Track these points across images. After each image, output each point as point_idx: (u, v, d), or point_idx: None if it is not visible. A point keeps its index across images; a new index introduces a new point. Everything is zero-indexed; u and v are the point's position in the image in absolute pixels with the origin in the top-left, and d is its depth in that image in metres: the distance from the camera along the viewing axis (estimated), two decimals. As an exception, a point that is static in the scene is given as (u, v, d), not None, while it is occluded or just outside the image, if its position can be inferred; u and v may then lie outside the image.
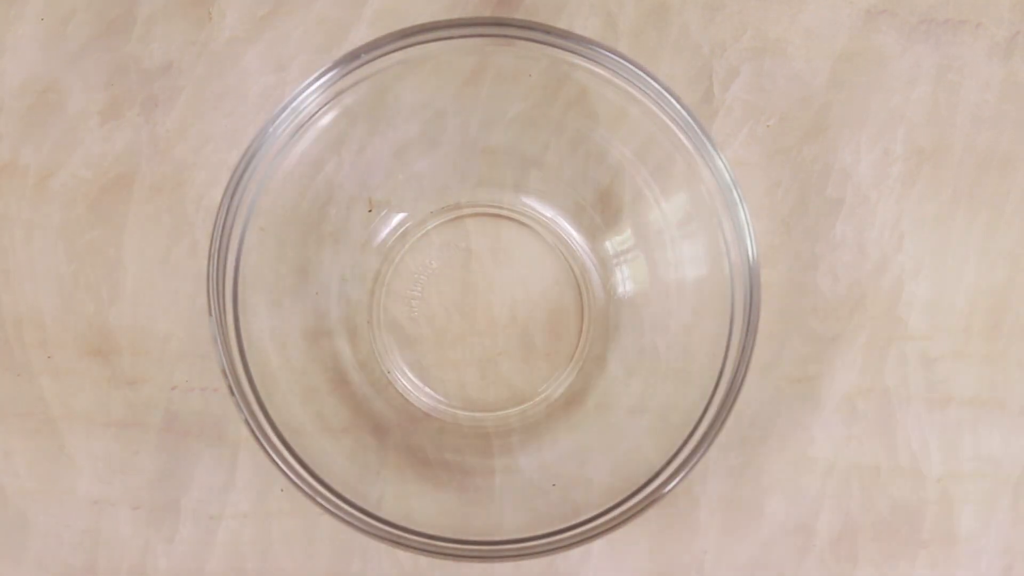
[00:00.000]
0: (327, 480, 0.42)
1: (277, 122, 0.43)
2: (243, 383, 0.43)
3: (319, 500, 0.42)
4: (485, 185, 0.51)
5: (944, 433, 0.52)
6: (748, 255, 0.43)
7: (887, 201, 0.52)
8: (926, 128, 0.53)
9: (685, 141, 0.44)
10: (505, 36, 0.43)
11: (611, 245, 0.51)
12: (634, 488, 0.43)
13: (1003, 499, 0.52)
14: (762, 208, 0.52)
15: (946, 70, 0.53)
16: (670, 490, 0.42)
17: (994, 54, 0.53)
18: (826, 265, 0.52)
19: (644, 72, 0.43)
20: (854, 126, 0.53)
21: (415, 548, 0.44)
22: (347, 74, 0.43)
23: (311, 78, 0.43)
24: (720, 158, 0.43)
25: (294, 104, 0.43)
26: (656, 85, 0.43)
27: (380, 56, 0.43)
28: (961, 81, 0.53)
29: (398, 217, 0.51)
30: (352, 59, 0.43)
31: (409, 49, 0.44)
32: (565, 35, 0.43)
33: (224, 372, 0.42)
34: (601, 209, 0.51)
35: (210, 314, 0.42)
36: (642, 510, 0.42)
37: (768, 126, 0.52)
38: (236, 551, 0.51)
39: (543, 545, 0.43)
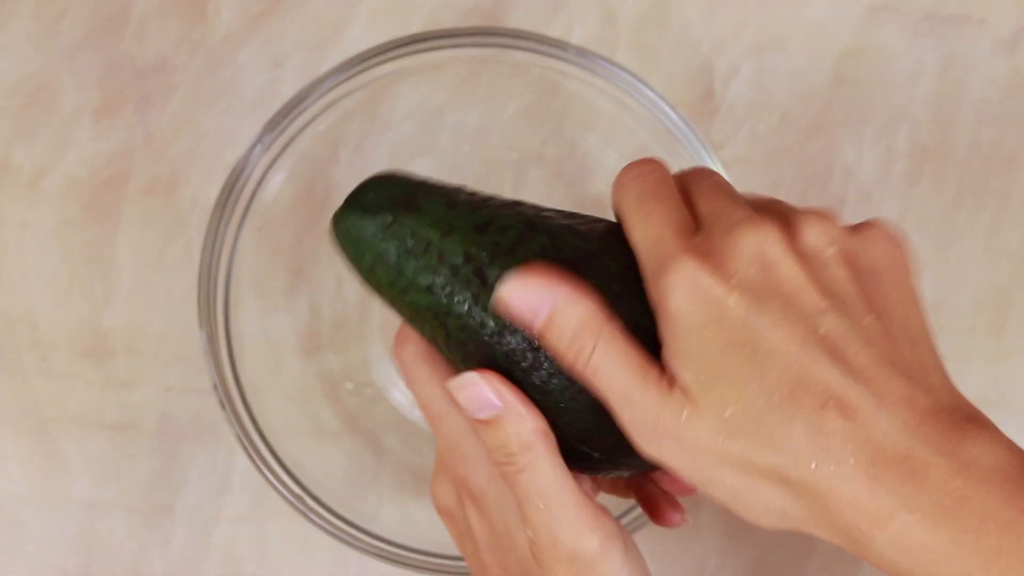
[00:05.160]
0: (320, 496, 0.42)
1: (274, 122, 0.43)
2: (235, 398, 0.42)
3: (312, 517, 0.42)
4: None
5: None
6: None
7: (890, 199, 0.52)
8: (930, 125, 0.52)
9: (681, 150, 0.43)
10: (495, 46, 0.43)
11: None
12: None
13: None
14: (764, 207, 0.51)
15: (950, 66, 0.53)
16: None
17: (998, 50, 0.53)
18: (829, 264, 0.51)
19: (638, 79, 0.43)
20: (857, 123, 0.52)
21: (409, 565, 0.43)
22: (343, 80, 0.43)
23: (309, 82, 0.43)
24: (718, 169, 0.42)
25: (291, 105, 0.43)
26: (650, 93, 0.43)
27: (368, 69, 0.43)
28: (965, 78, 0.53)
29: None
30: (345, 69, 0.43)
31: (398, 60, 0.44)
32: (557, 44, 0.43)
33: (215, 387, 0.42)
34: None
35: (201, 328, 0.42)
36: (646, 522, 0.42)
37: (770, 123, 0.52)
38: (232, 554, 0.50)
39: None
